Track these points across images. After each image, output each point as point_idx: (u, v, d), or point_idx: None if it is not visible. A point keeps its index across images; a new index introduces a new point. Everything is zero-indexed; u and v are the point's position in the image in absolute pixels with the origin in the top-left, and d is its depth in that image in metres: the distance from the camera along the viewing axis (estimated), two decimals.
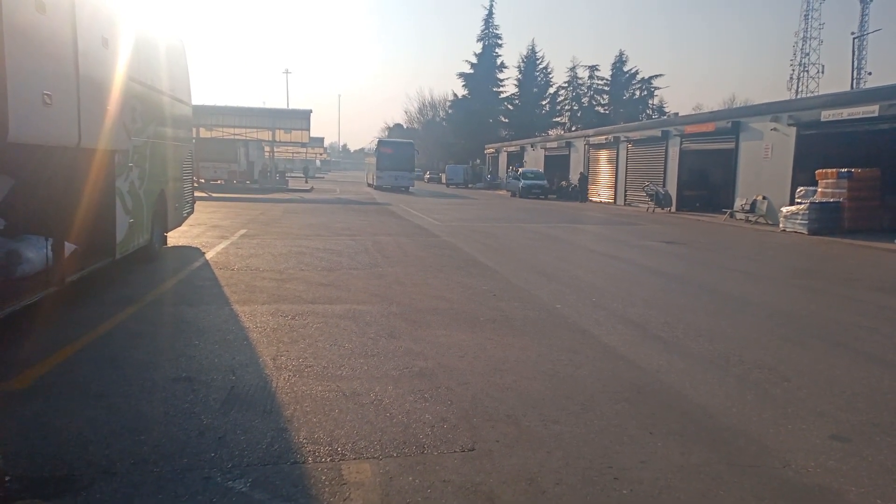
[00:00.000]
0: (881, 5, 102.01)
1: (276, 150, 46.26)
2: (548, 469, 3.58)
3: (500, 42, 69.83)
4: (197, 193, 14.12)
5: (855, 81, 51.91)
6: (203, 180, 33.52)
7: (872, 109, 17.91)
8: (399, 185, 43.29)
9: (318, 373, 5.01)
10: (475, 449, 3.79)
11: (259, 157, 44.31)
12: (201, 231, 14.13)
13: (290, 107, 63.57)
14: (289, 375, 4.92)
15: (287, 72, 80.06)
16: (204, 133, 34.75)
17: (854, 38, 55.41)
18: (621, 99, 69.97)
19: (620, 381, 5.11)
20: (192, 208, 13.11)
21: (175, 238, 12.23)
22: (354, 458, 3.61)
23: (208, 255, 10.74)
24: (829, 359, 6.04)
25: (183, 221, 12.40)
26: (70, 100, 5.95)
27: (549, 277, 10.12)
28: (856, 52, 53.75)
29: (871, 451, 3.97)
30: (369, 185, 49.32)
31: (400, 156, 44.09)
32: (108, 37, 7.03)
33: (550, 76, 71.72)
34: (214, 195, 28.32)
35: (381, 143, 47.59)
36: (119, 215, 7.80)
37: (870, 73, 58.15)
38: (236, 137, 37.76)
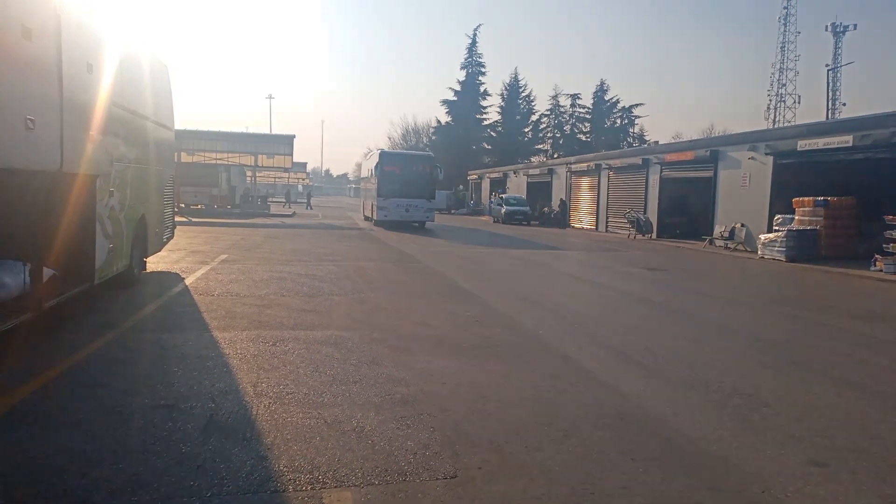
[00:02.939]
0: (854, 39, 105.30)
1: (258, 174, 46.04)
2: (530, 496, 3.57)
3: (483, 70, 70.75)
4: (177, 218, 14.02)
5: (830, 112, 53.26)
6: (183, 205, 33.30)
7: (847, 140, 18.35)
8: (412, 218, 28.83)
9: (299, 400, 4.98)
10: (457, 476, 3.78)
11: (241, 182, 44.16)
12: (181, 256, 14.03)
13: (273, 132, 63.68)
14: (269, 402, 4.88)
15: (270, 97, 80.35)
16: (185, 157, 34.66)
17: (829, 70, 57.01)
18: (603, 127, 71.05)
19: (602, 407, 5.13)
20: (173, 233, 13.02)
21: (155, 263, 12.12)
22: (336, 486, 3.58)
23: (188, 281, 10.65)
24: (806, 385, 6.11)
25: (163, 246, 12.31)
26: (53, 124, 5.95)
27: (531, 303, 10.16)
28: (830, 84, 55.26)
29: (848, 476, 4.02)
30: (367, 218, 34.04)
31: (413, 175, 29.09)
32: (93, 62, 7.05)
33: (533, 104, 72.74)
34: (195, 220, 28.14)
35: (384, 156, 30.03)
36: (99, 240, 7.73)
37: (844, 104, 59.75)
38: (218, 162, 37.66)
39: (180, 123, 14.50)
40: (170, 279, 10.86)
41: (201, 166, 36.64)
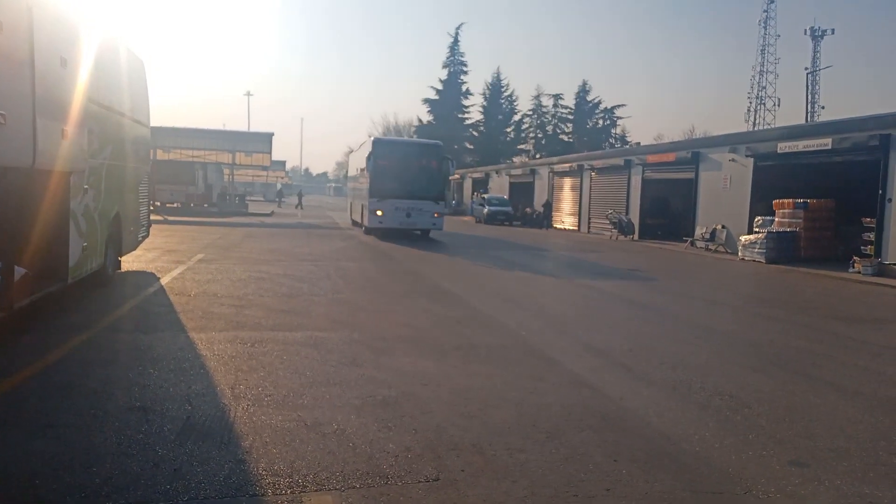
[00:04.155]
0: (832, 43, 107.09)
1: (236, 172, 45.45)
2: (513, 498, 3.53)
3: (465, 69, 70.68)
4: (152, 217, 13.79)
5: (809, 115, 54.04)
6: (159, 203, 32.84)
7: (826, 142, 18.60)
8: (414, 225, 22.64)
9: (278, 402, 4.89)
10: (440, 479, 3.72)
11: (218, 180, 43.70)
12: (157, 255, 13.80)
13: (252, 129, 62.95)
14: (247, 405, 4.78)
15: (248, 94, 79.49)
16: (161, 155, 34.09)
17: (808, 74, 57.85)
18: (585, 128, 71.36)
19: (585, 409, 5.11)
20: (148, 232, 12.82)
21: (129, 262, 11.90)
22: (316, 490, 3.51)
23: (164, 281, 10.47)
24: (787, 386, 6.15)
25: (138, 245, 12.10)
26: (25, 120, 5.79)
27: (514, 304, 10.14)
28: (809, 87, 56.04)
29: (828, 475, 4.03)
30: (355, 223, 27.86)
31: (416, 169, 22.75)
32: (67, 56, 6.89)
33: (515, 104, 72.80)
34: (171, 219, 27.78)
35: (379, 145, 23.06)
36: (72, 238, 7.56)
37: (822, 107, 60.45)
38: (194, 160, 37.17)
39: (156, 120, 14.28)
40: (145, 279, 10.67)
41: (177, 164, 36.17)
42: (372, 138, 24.72)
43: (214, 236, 19.99)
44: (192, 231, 21.74)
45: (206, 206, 37.94)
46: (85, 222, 8.06)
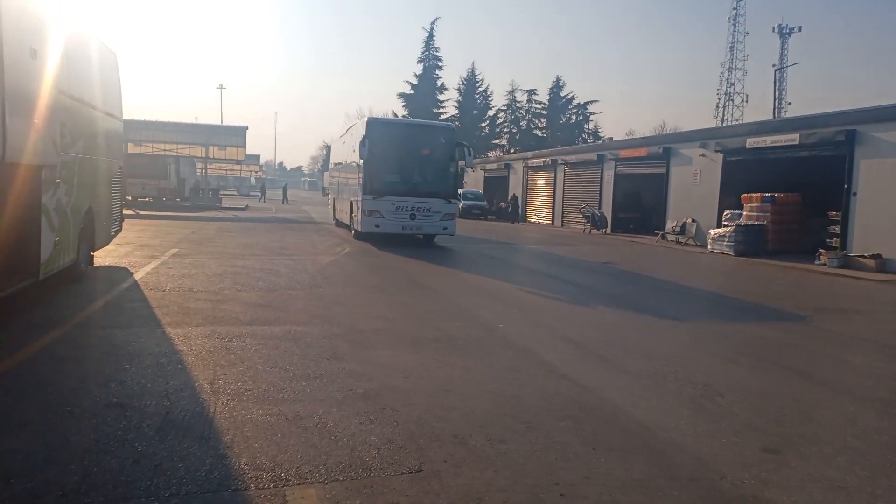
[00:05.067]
0: (799, 41, 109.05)
1: (209, 166, 44.79)
2: (495, 488, 3.58)
3: (440, 64, 70.48)
4: (124, 212, 13.56)
5: (776, 111, 55.06)
6: (130, 198, 32.26)
7: (793, 138, 19.02)
8: (421, 229, 18.06)
9: (258, 396, 4.87)
10: (422, 470, 3.76)
11: (191, 174, 43.05)
12: (129, 250, 13.58)
13: (224, 123, 62.02)
14: (227, 400, 4.76)
15: (222, 87, 78.42)
16: (133, 148, 33.45)
17: (775, 70, 58.94)
18: (558, 123, 71.74)
19: (563, 399, 5.19)
20: (121, 226, 12.61)
21: (102, 257, 11.70)
22: (299, 484, 3.52)
23: (137, 276, 10.32)
24: (758, 374, 6.31)
25: (111, 240, 11.90)
26: None
27: (491, 297, 10.21)
28: (777, 83, 57.10)
29: (799, 461, 4.16)
30: (340, 223, 23.40)
31: (423, 158, 18.35)
32: (37, 47, 6.74)
33: (490, 99, 72.84)
34: (143, 213, 27.33)
35: (375, 126, 18.30)
36: (44, 233, 7.41)
37: (790, 103, 61.66)
38: (167, 153, 36.57)
39: (128, 113, 14.04)
40: (119, 274, 10.51)
41: (150, 158, 35.55)
42: (366, 118, 19.71)
43: (188, 231, 19.72)
44: (165, 226, 21.42)
45: (178, 200, 37.39)
46: (57, 217, 7.91)
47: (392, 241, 17.90)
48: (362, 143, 17.00)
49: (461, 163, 18.86)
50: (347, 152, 21.01)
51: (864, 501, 3.65)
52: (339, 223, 23.74)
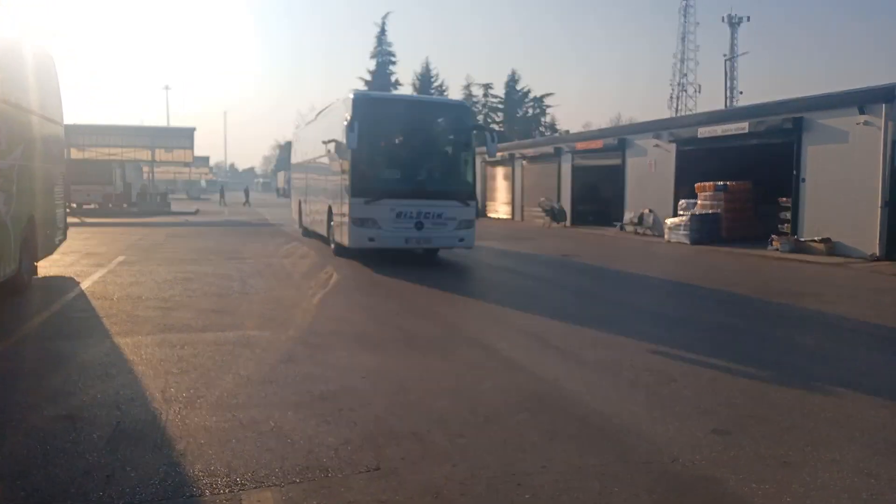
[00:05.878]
0: (748, 31, 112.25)
1: (156, 170, 43.58)
2: (453, 481, 3.59)
3: (394, 59, 70.30)
4: (69, 219, 13.14)
5: (728, 100, 56.17)
6: (75, 205, 31.21)
7: (743, 126, 19.48)
8: (429, 242, 13.46)
9: (211, 403, 4.78)
10: (380, 468, 3.75)
11: (137, 179, 41.89)
12: (75, 259, 13.16)
13: (172, 124, 60.39)
14: (179, 408, 4.66)
15: (167, 87, 76.62)
16: (76, 154, 32.28)
17: (726, 61, 60.19)
18: (515, 117, 72.24)
19: (522, 392, 5.23)
20: (66, 235, 12.21)
21: (46, 268, 11.30)
22: (255, 487, 3.47)
23: (84, 285, 10.01)
24: (711, 359, 6.47)
25: (55, 249, 11.51)
26: None
27: (451, 295, 10.23)
28: (728, 73, 58.24)
29: (748, 441, 4.28)
30: (311, 233, 18.70)
31: (428, 146, 14.10)
32: None
33: (446, 93, 72.89)
34: (88, 220, 26.51)
35: (363, 103, 13.09)
36: None
37: (741, 93, 62.78)
38: (111, 158, 35.48)
39: (70, 118, 13.60)
40: (64, 284, 10.18)
41: (93, 163, 34.38)
42: (351, 94, 13.55)
43: (135, 237, 19.21)
44: (111, 233, 20.82)
45: (125, 206, 36.26)
46: None
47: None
48: (350, 128, 12.23)
49: (483, 151, 15.21)
50: (319, 143, 16.01)
51: (806, 475, 3.78)
52: (308, 232, 19.11)
